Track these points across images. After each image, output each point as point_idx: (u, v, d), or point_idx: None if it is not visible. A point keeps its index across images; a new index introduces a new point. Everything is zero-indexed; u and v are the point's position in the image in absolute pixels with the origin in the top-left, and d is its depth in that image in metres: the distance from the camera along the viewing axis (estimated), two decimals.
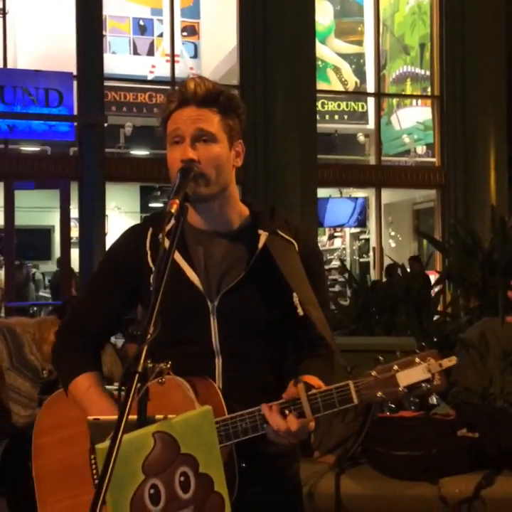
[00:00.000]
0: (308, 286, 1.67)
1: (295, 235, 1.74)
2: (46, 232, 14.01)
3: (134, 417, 1.26)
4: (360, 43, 12.50)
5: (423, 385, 1.49)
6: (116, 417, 1.21)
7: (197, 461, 1.32)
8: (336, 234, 14.31)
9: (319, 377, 1.62)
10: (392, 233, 13.43)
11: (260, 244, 1.68)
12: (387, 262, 11.35)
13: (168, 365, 1.31)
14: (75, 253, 10.75)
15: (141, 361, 1.25)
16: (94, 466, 1.65)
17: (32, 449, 1.76)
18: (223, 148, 1.65)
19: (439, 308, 6.44)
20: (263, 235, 1.70)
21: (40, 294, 12.75)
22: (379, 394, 1.50)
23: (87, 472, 1.66)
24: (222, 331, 1.66)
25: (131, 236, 1.77)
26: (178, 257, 1.66)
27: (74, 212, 10.58)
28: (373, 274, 11.69)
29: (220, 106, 1.64)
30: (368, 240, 13.23)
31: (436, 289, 6.32)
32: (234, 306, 1.66)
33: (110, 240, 10.53)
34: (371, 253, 12.51)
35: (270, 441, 1.56)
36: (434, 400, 1.53)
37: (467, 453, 3.10)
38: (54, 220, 12.29)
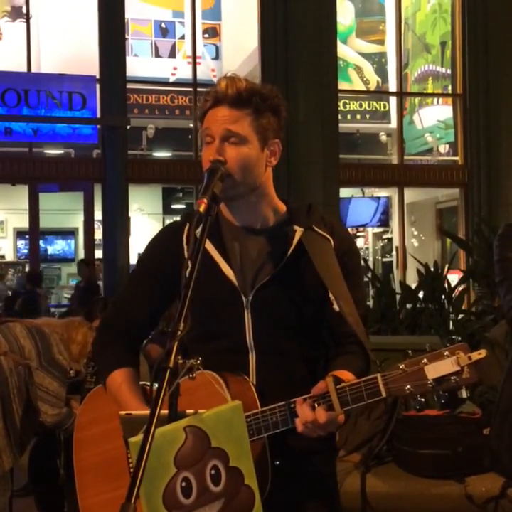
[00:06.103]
0: (343, 282, 1.67)
1: (331, 231, 1.74)
2: (70, 234, 14.13)
3: (165, 411, 1.27)
4: (381, 42, 12.45)
5: (452, 378, 1.47)
6: (147, 412, 1.23)
7: (227, 454, 1.34)
8: (358, 234, 14.25)
9: (352, 371, 1.61)
10: (415, 232, 13.35)
11: (295, 240, 1.70)
12: (410, 261, 11.29)
13: (199, 361, 1.33)
14: (98, 255, 10.82)
15: (172, 357, 1.27)
16: (130, 459, 1.67)
17: (73, 442, 1.79)
18: (252, 150, 1.66)
19: (464, 306, 6.40)
20: (298, 231, 1.71)
21: (65, 295, 12.85)
22: (407, 387, 1.48)
23: (125, 466, 1.68)
24: (256, 326, 1.67)
25: (169, 232, 1.80)
26: (214, 252, 1.69)
27: (97, 214, 10.66)
28: (397, 274, 11.64)
29: (252, 107, 1.64)
30: (390, 240, 13.17)
31: (460, 288, 6.29)
32: (268, 301, 1.67)
33: (133, 242, 10.60)
34: (394, 253, 12.45)
35: (303, 438, 1.56)
36: (463, 394, 1.49)
37: None
38: (78, 222, 12.38)
